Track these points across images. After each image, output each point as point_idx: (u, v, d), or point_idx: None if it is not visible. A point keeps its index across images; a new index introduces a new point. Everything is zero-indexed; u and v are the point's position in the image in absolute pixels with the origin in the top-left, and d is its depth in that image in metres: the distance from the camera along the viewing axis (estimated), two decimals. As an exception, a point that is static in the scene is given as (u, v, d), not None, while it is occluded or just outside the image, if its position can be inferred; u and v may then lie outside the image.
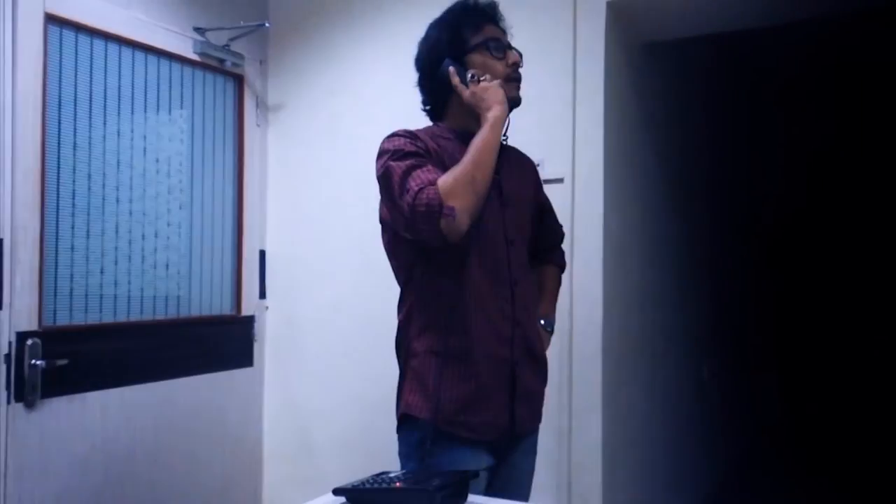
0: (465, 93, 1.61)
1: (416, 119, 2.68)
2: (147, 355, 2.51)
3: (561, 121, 2.41)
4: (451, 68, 1.63)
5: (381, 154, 1.58)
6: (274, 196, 2.97)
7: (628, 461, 2.70)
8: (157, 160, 2.60)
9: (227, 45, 2.77)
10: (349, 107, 2.81)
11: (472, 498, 1.23)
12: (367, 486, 1.21)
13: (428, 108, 1.77)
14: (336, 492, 1.23)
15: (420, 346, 1.57)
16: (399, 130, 1.61)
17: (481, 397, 1.52)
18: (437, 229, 1.43)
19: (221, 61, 2.77)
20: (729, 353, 4.52)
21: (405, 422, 1.57)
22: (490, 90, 1.60)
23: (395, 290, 2.64)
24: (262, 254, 2.96)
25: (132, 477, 2.43)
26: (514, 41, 2.47)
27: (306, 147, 2.91)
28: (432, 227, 1.44)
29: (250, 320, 2.90)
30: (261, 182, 2.96)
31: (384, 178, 1.54)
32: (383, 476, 1.23)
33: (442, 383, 1.50)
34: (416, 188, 1.46)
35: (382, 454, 2.60)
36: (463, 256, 1.53)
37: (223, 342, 2.82)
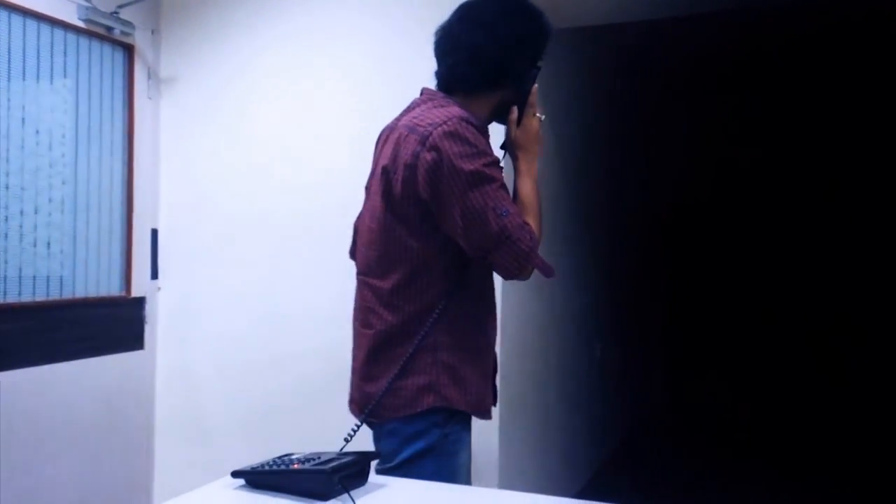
0: (534, 121, 1.56)
1: (320, 97, 2.65)
2: (26, 339, 2.37)
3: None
4: (536, 87, 1.56)
5: (460, 140, 1.42)
6: (167, 172, 2.86)
7: (523, 435, 2.79)
8: (38, 132, 2.44)
9: (116, 13, 2.62)
10: (249, 80, 2.73)
11: (373, 478, 1.23)
12: (266, 468, 1.20)
13: (448, 75, 1.57)
14: (234, 474, 1.22)
15: (450, 340, 1.49)
16: (464, 116, 1.45)
17: (490, 384, 1.60)
18: (521, 270, 1.45)
19: (109, 29, 2.62)
20: (620, 333, 4.73)
21: (433, 410, 1.48)
22: (541, 138, 1.58)
23: (302, 271, 2.62)
24: (155, 232, 2.84)
25: (8, 467, 2.30)
26: (412, 21, 2.48)
27: (203, 121, 2.80)
28: (520, 266, 1.45)
29: (141, 302, 2.79)
30: (153, 157, 2.83)
31: (477, 181, 1.41)
32: (284, 458, 1.22)
33: (474, 376, 1.52)
34: (519, 220, 1.44)
35: (284, 438, 2.58)
36: None
37: (111, 324, 2.69)
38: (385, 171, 1.49)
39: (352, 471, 1.19)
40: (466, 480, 1.54)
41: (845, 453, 4.58)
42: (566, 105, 3.39)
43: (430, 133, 1.43)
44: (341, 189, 2.57)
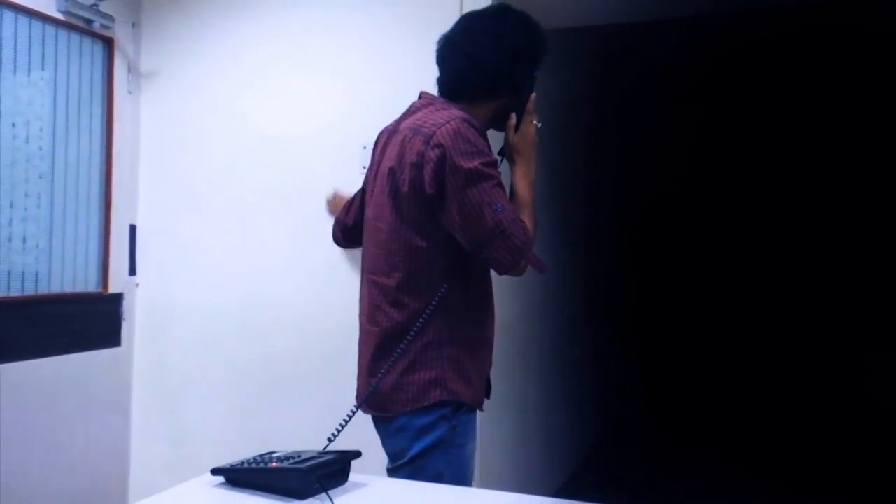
0: (530, 128, 1.64)
1: (305, 93, 2.63)
2: (1, 335, 2.33)
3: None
4: (535, 95, 1.64)
5: (462, 138, 1.48)
6: (147, 168, 2.83)
7: (503, 434, 2.79)
8: (14, 124, 2.41)
9: (96, 5, 2.59)
10: (231, 75, 2.71)
11: (354, 477, 1.23)
12: (246, 466, 1.19)
13: (452, 82, 1.64)
14: (214, 471, 1.21)
15: (454, 336, 1.56)
16: (466, 118, 1.53)
17: (485, 378, 1.67)
18: (515, 264, 1.50)
19: (89, 22, 2.59)
20: (599, 334, 4.75)
21: (440, 404, 1.54)
22: (535, 145, 1.65)
23: (284, 270, 2.61)
24: (133, 228, 2.81)
25: (-17, 465, 2.27)
26: (402, 16, 2.48)
27: (183, 117, 2.78)
28: (514, 261, 1.49)
29: (118, 298, 2.76)
30: (132, 152, 2.80)
31: (475, 178, 1.47)
32: (265, 456, 1.22)
33: (475, 370, 1.59)
34: (513, 216, 1.50)
35: (263, 437, 2.57)
36: None
37: (88, 321, 2.66)
38: (391, 172, 1.55)
39: (331, 470, 1.19)
40: (472, 470, 1.60)
41: (820, 450, 4.65)
42: (540, 107, 3.40)
43: (434, 132, 1.49)
44: (324, 186, 2.56)
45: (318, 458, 1.19)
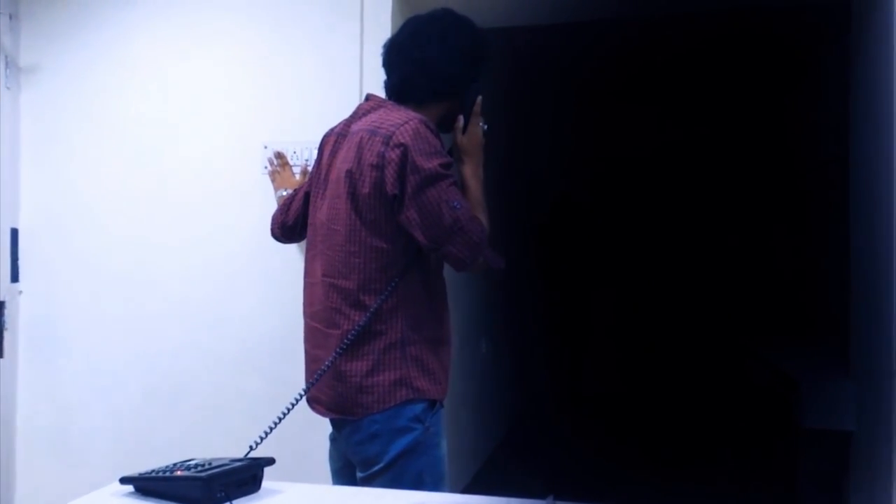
0: (477, 130, 1.69)
1: (198, 85, 2.54)
2: None
3: (349, 103, 2.39)
4: (480, 98, 1.69)
5: (421, 138, 1.52)
6: (30, 167, 2.66)
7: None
8: None
9: (-32, -7, 2.42)
10: (118, 68, 2.59)
11: (268, 485, 1.20)
12: (154, 474, 1.17)
13: (400, 86, 1.67)
14: (123, 480, 1.20)
15: (416, 336, 1.59)
16: (423, 118, 1.57)
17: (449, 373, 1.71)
18: (473, 259, 1.55)
19: (-40, 11, 2.41)
20: (506, 328, 4.84)
21: (407, 402, 1.57)
22: (482, 145, 1.70)
23: (174, 271, 2.52)
24: (14, 232, 2.64)
25: None
26: (294, 17, 2.44)
27: (68, 113, 2.63)
28: (472, 256, 1.54)
29: (-1, 307, 2.59)
30: (12, 151, 2.63)
31: (433, 178, 1.52)
32: (179, 464, 1.20)
33: (438, 366, 1.62)
34: (470, 213, 1.55)
35: (160, 450, 2.47)
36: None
37: (-35, 333, 2.48)
38: (349, 174, 1.56)
39: (238, 478, 1.17)
40: (447, 467, 1.64)
41: (713, 433, 4.90)
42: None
43: (393, 133, 1.52)
44: (218, 184, 2.50)
45: (226, 465, 1.16)
